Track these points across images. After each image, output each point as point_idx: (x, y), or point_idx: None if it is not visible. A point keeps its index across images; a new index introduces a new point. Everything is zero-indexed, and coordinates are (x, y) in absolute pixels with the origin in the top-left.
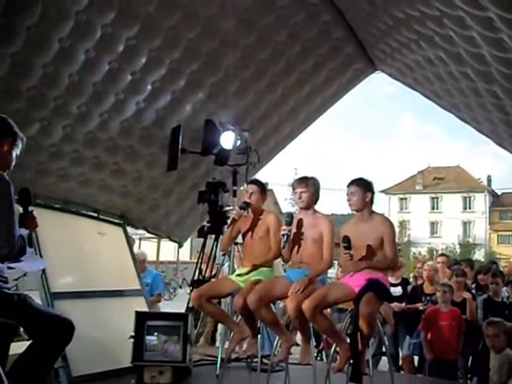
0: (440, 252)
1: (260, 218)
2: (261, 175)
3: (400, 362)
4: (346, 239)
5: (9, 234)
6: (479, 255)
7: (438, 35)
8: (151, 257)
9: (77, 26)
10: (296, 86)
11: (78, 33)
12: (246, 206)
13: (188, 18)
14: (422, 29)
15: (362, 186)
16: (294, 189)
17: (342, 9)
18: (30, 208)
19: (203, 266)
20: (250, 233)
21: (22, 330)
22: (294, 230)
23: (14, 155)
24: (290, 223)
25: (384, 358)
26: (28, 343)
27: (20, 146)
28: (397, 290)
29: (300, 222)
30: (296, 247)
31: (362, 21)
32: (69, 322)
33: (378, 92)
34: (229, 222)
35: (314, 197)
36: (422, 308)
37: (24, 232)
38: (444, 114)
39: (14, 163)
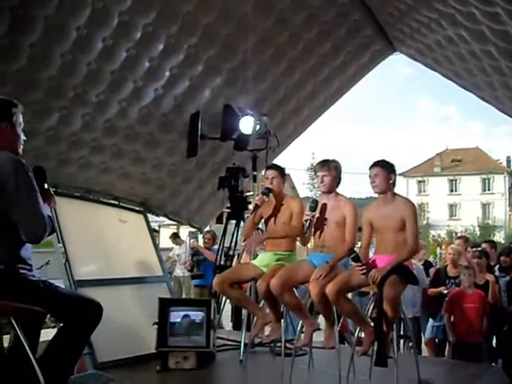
0: (459, 234)
1: (282, 203)
2: (278, 159)
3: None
4: (352, 251)
5: (38, 215)
6: (499, 237)
7: (459, 13)
8: (171, 244)
9: (94, 14)
10: (314, 70)
11: (95, 21)
12: (267, 191)
13: (205, 2)
14: (443, 7)
15: (386, 168)
16: (315, 172)
17: None
18: (46, 185)
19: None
20: (272, 218)
21: (48, 317)
22: (317, 215)
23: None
24: (314, 209)
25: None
26: (54, 330)
27: (20, 118)
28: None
29: (324, 207)
30: (318, 231)
31: (380, 1)
32: (96, 303)
33: (394, 74)
34: (251, 208)
35: (336, 180)
36: (445, 292)
37: (48, 209)
38: (462, 95)
39: (22, 142)
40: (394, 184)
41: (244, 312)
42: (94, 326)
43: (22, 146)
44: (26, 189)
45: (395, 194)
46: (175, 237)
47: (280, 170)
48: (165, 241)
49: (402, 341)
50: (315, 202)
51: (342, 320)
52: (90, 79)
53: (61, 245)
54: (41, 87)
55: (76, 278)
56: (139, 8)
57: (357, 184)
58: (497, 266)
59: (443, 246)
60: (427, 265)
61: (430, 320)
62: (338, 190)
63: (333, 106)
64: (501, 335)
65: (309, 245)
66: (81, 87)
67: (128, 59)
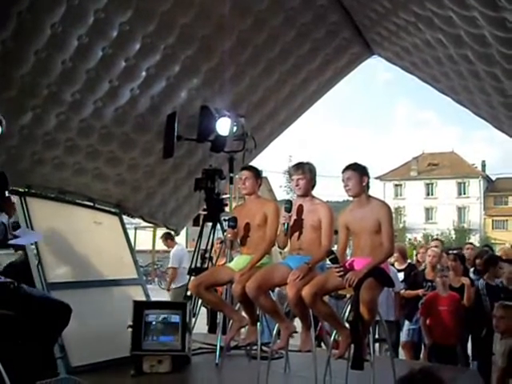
0: (435, 237)
1: (257, 204)
2: (255, 162)
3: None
4: (330, 252)
5: None
6: (474, 240)
7: (437, 17)
8: (147, 246)
9: (69, 11)
10: (292, 71)
11: (70, 18)
12: (234, 222)
13: (182, 2)
14: (420, 10)
15: (358, 171)
16: (290, 176)
17: None
18: (6, 193)
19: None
20: (247, 220)
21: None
22: (294, 217)
23: None
24: (289, 210)
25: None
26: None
27: None
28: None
29: (300, 209)
30: (295, 234)
31: (358, 4)
32: (65, 305)
33: (373, 78)
34: (226, 241)
35: (311, 183)
36: (421, 294)
37: (4, 218)
38: (439, 99)
39: None
40: (367, 186)
41: (220, 315)
42: (61, 328)
43: None
44: None
45: (370, 197)
46: (167, 238)
47: (254, 171)
48: (142, 243)
49: (378, 344)
50: (290, 202)
51: (320, 324)
52: (64, 78)
53: (33, 246)
54: (14, 85)
55: (49, 280)
56: (115, 6)
57: (334, 187)
58: (472, 269)
59: (418, 249)
60: (410, 268)
61: (406, 322)
62: (315, 192)
63: (311, 109)
64: (478, 338)
65: (286, 248)
66: (55, 86)
67: (104, 58)
